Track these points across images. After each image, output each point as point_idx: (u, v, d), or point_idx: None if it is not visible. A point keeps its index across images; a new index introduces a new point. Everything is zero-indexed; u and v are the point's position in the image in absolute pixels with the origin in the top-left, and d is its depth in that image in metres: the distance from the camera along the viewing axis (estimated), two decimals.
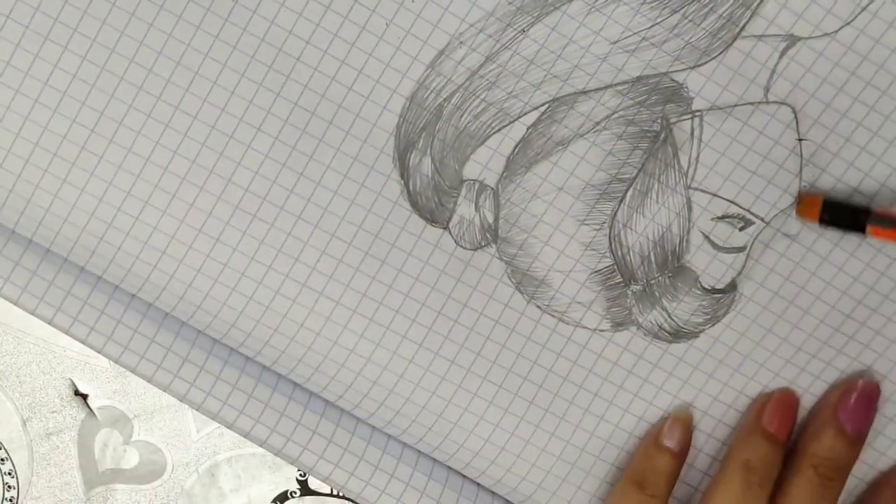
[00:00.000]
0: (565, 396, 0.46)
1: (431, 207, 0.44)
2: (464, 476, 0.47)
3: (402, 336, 0.45)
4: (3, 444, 0.48)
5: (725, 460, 0.45)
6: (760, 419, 0.45)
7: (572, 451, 0.47)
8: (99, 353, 0.45)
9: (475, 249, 0.45)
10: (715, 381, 0.46)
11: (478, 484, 0.47)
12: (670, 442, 0.45)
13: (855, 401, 0.44)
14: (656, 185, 0.44)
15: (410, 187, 0.44)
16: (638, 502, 0.44)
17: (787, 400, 0.45)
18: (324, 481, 0.46)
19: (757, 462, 0.44)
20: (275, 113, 0.42)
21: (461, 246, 0.45)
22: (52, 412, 0.48)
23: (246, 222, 0.44)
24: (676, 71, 0.43)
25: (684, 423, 0.45)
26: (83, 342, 0.45)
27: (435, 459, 0.47)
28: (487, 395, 0.46)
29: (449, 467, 0.47)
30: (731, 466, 0.44)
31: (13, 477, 0.48)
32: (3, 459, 0.48)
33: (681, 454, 0.45)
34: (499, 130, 0.43)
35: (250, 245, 0.44)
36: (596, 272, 0.45)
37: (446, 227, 0.44)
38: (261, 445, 0.46)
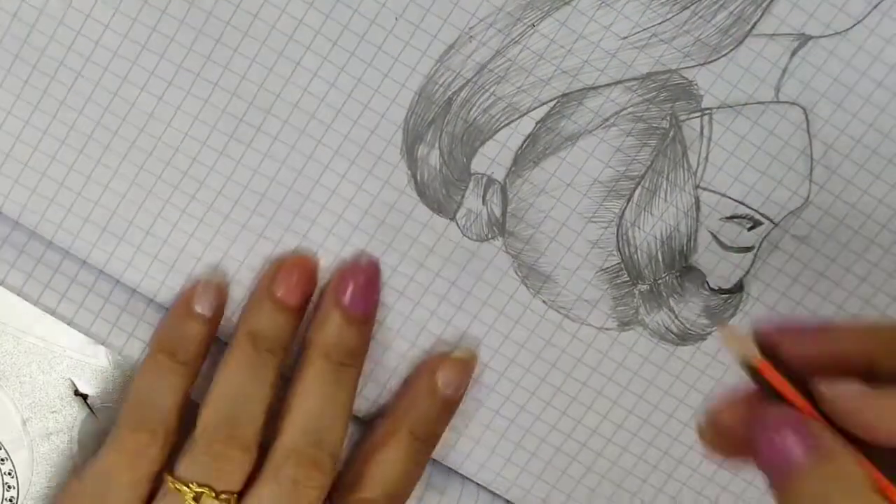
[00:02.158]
0: (569, 392, 0.46)
1: (439, 199, 0.44)
2: None
3: (406, 317, 0.45)
4: (3, 444, 0.47)
5: (235, 328, 0.44)
6: (270, 285, 0.43)
7: (573, 445, 0.46)
8: (102, 344, 0.45)
9: (481, 241, 0.44)
10: (722, 386, 0.45)
11: None
12: (201, 308, 0.43)
13: (354, 283, 0.43)
14: (665, 184, 0.43)
15: (418, 178, 0.44)
16: (170, 369, 0.43)
17: (298, 265, 0.44)
18: None
19: (265, 330, 0.43)
20: (284, 98, 0.42)
21: (467, 237, 0.44)
22: (52, 412, 0.48)
23: (255, 201, 0.44)
24: (686, 68, 0.43)
25: (217, 288, 0.44)
26: (86, 333, 0.45)
27: None
28: (489, 381, 0.46)
29: None
30: (240, 334, 0.43)
31: (13, 477, 0.48)
32: (3, 459, 0.47)
33: (212, 320, 0.43)
34: (507, 125, 0.43)
35: (259, 223, 0.44)
36: (603, 270, 0.44)
37: (453, 219, 0.44)
38: None
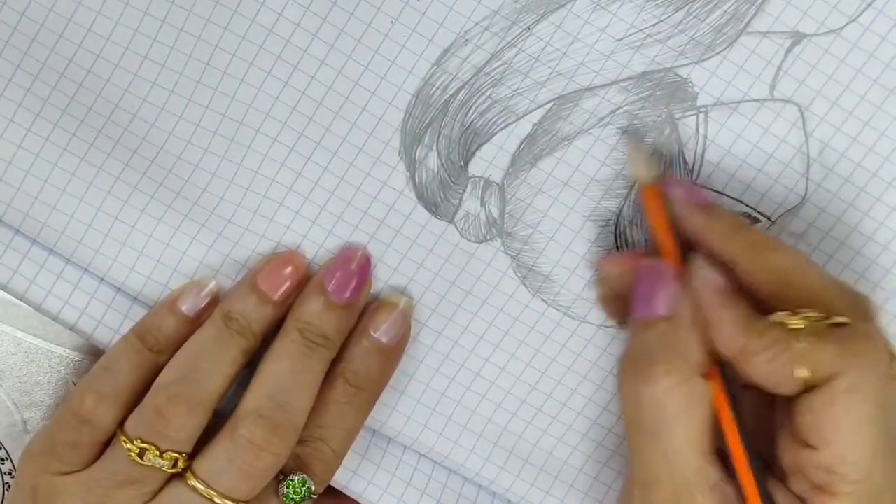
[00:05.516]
0: (569, 385, 0.46)
1: (437, 201, 0.44)
2: None
3: None
4: (3, 443, 0.48)
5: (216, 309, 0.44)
6: (256, 275, 0.44)
7: (574, 435, 0.46)
8: (105, 348, 0.45)
9: (480, 243, 0.45)
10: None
11: None
12: (185, 307, 0.44)
13: (342, 271, 0.44)
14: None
15: (416, 179, 0.44)
16: (133, 348, 0.43)
17: (286, 262, 0.44)
18: None
19: (238, 313, 0.43)
20: (283, 100, 0.43)
21: (466, 238, 0.45)
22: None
23: (256, 202, 0.44)
24: (681, 66, 0.43)
25: (209, 293, 0.44)
26: (88, 339, 0.45)
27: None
28: (490, 376, 0.46)
29: None
30: (215, 313, 0.44)
31: (13, 477, 0.48)
32: (3, 459, 0.48)
33: (192, 320, 0.44)
34: (504, 128, 0.43)
35: (260, 224, 0.44)
36: None
37: (451, 221, 0.44)
38: None
